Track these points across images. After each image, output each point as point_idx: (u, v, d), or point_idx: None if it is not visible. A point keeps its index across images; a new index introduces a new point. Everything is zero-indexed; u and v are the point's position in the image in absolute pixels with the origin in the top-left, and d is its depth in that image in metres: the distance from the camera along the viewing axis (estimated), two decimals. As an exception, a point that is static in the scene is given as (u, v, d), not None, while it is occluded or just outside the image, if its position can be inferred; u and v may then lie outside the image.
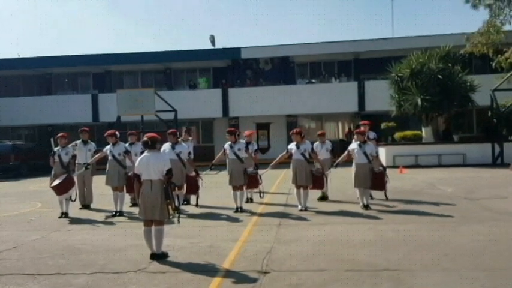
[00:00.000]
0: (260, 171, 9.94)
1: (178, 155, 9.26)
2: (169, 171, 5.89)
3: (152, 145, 6.00)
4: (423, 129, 21.02)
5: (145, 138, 6.05)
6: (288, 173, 9.86)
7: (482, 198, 10.02)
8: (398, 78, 20.51)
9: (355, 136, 9.50)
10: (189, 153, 9.61)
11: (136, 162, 6.07)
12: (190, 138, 11.03)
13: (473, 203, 9.55)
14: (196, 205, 9.83)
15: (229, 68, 28.09)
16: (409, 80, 19.95)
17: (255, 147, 11.12)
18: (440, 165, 18.81)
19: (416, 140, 20.95)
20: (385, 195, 9.71)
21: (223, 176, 10.27)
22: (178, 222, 6.30)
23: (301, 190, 9.25)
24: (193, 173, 9.51)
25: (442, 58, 20.13)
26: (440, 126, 22.43)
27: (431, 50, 20.59)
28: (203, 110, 25.57)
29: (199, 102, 25.34)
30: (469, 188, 11.87)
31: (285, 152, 9.58)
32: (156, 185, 5.84)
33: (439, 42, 21.57)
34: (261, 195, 10.27)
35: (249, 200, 10.56)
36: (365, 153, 9.12)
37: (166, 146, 9.29)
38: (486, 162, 18.87)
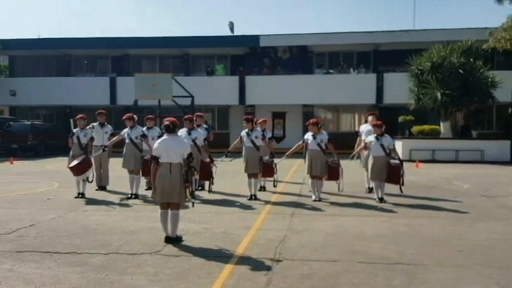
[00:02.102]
0: (275, 160, 9.95)
1: (193, 140, 9.31)
2: (189, 155, 5.97)
3: (173, 129, 6.11)
4: (441, 124, 20.76)
5: (167, 122, 6.14)
6: (302, 163, 9.84)
7: (499, 196, 9.89)
8: (419, 71, 20.22)
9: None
10: (205, 139, 9.64)
11: (155, 145, 6.14)
12: (204, 125, 11.02)
13: (489, 200, 9.44)
14: (209, 191, 9.89)
15: (246, 55, 27.95)
16: (429, 74, 19.66)
17: (269, 135, 11.11)
18: (457, 161, 18.59)
19: (434, 135, 20.71)
20: (400, 189, 9.63)
21: (238, 163, 10.29)
22: (193, 206, 6.39)
23: (316, 180, 9.24)
24: (208, 159, 9.56)
25: (464, 52, 19.78)
26: (459, 121, 22.11)
27: (453, 43, 20.23)
28: (219, 97, 25.56)
29: (216, 89, 25.31)
30: (485, 184, 11.73)
31: (301, 142, 9.56)
32: (175, 168, 5.90)
33: (461, 36, 21.15)
34: (275, 184, 10.29)
35: (262, 189, 10.59)
36: (382, 146, 9.05)
37: (182, 132, 9.33)
38: (504, 160, 18.59)
